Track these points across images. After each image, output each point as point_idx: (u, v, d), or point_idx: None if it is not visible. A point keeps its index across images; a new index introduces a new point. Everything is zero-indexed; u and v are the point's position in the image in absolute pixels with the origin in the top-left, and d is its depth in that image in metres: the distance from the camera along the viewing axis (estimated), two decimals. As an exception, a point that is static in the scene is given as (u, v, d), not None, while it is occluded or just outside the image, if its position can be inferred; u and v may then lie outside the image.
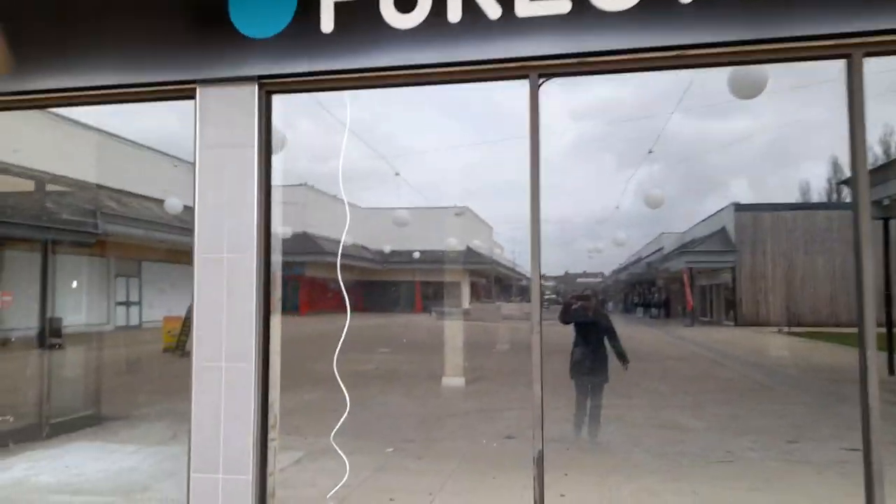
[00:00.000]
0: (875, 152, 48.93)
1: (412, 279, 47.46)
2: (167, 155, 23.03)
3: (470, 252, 44.90)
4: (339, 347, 4.34)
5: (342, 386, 4.15)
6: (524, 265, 69.04)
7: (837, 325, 28.31)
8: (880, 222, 12.20)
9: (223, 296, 3.70)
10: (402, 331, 15.34)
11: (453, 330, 20.92)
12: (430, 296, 47.25)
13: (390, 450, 5.23)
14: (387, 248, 46.92)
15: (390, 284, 47.06)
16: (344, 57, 3.70)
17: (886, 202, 10.63)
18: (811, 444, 5.64)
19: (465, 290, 47.69)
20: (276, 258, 4.10)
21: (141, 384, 9.63)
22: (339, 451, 4.02)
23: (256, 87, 3.87)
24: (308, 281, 38.72)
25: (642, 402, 7.81)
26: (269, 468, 3.64)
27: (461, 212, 50.15)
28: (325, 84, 3.91)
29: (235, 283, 3.71)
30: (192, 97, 3.98)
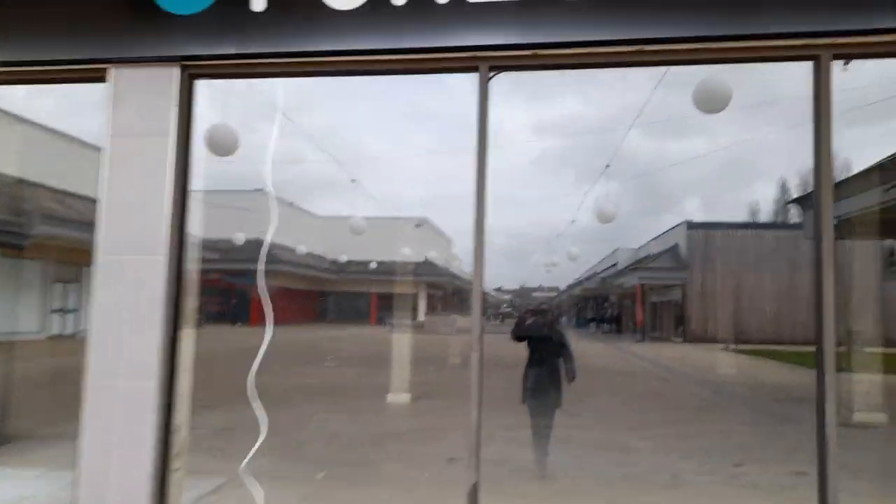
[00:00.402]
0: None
1: (368, 290, 46.83)
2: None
3: (427, 264, 44.62)
4: (257, 363, 3.84)
5: (256, 407, 3.66)
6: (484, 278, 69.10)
7: (781, 343, 29.10)
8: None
9: (126, 303, 3.25)
10: (352, 343, 14.83)
11: (402, 343, 20.47)
12: (386, 307, 46.68)
13: (322, 475, 4.80)
14: (343, 258, 46.14)
15: (346, 295, 46.25)
16: (277, 39, 3.33)
17: (835, 222, 10.79)
18: (757, 466, 5.50)
19: (422, 303, 47.34)
20: (192, 263, 3.66)
21: (63, 399, 8.87)
22: (251, 483, 3.54)
23: (178, 69, 3.46)
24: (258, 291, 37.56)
25: (590, 421, 7.59)
26: (170, 502, 3.17)
27: (420, 223, 49.89)
28: (256, 69, 3.52)
29: (141, 288, 3.26)
30: (105, 79, 3.54)
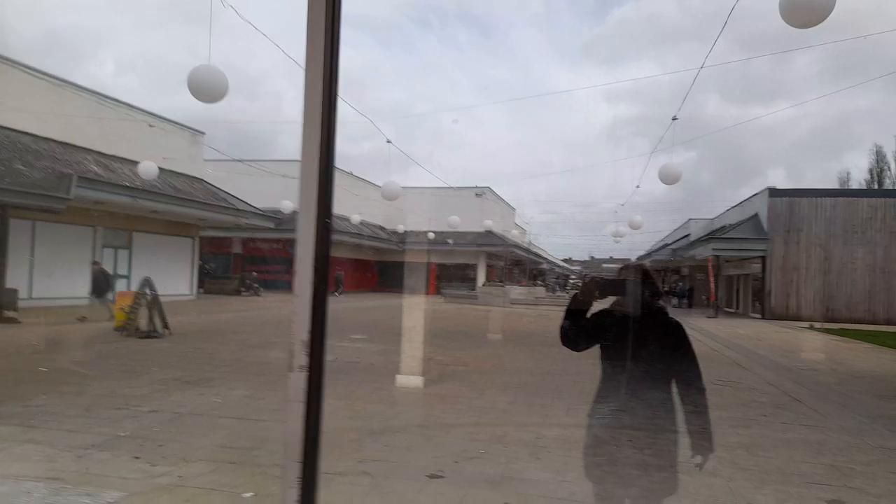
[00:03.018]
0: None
1: (427, 260, 46.13)
2: (142, 111, 21.79)
3: (488, 234, 43.34)
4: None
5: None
6: (545, 248, 67.12)
7: (874, 323, 26.16)
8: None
9: None
10: (395, 314, 13.83)
11: (445, 315, 19.38)
12: (446, 277, 45.91)
13: (248, 495, 3.72)
14: (400, 229, 45.51)
15: (407, 265, 45.65)
16: None
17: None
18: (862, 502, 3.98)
19: (481, 273, 46.23)
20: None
21: (55, 367, 8.31)
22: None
23: None
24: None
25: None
26: None
27: (481, 192, 48.58)
28: None
29: None
30: None
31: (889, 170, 50.43)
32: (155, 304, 11.64)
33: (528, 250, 53.95)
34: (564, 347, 2.49)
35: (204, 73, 6.36)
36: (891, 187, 45.18)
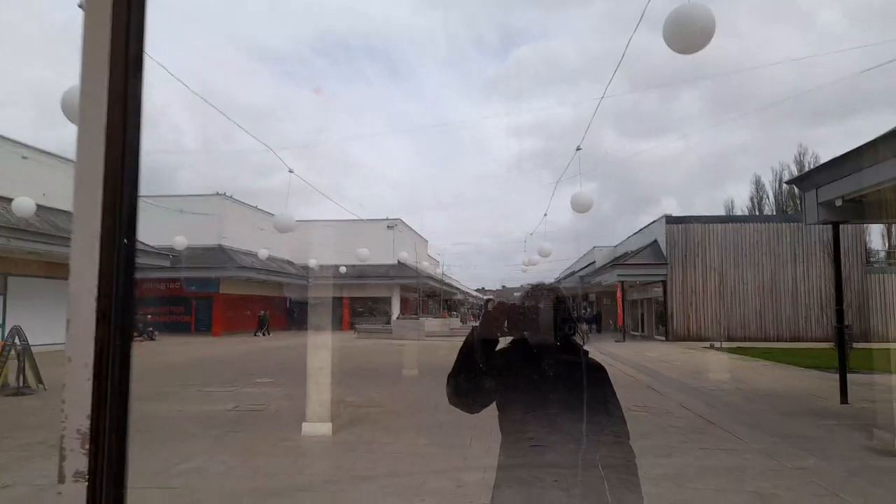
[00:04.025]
0: (791, 170, 50.42)
1: (339, 295, 44.95)
2: (15, 143, 19.90)
3: (400, 266, 42.91)
4: None
5: None
6: (458, 279, 67.46)
7: (766, 340, 27.91)
8: (828, 227, 10.90)
9: None
10: (303, 354, 13.08)
11: (354, 353, 18.69)
12: (358, 312, 44.90)
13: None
14: (312, 262, 44.10)
15: (318, 302, 44.15)
16: None
17: (839, 203, 9.25)
18: None
19: (396, 306, 45.56)
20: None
21: None
22: None
23: None
24: (222, 299, 35.64)
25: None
26: None
27: (393, 224, 48.23)
28: None
29: None
30: None
31: (767, 198, 55.17)
32: (26, 355, 10.26)
33: (441, 281, 53.93)
34: (455, 408, 1.81)
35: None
36: (770, 213, 49.19)
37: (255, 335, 34.63)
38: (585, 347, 1.86)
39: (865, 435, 6.80)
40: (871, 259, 32.10)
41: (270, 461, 5.73)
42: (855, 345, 20.18)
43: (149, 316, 29.44)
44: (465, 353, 1.74)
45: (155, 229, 26.16)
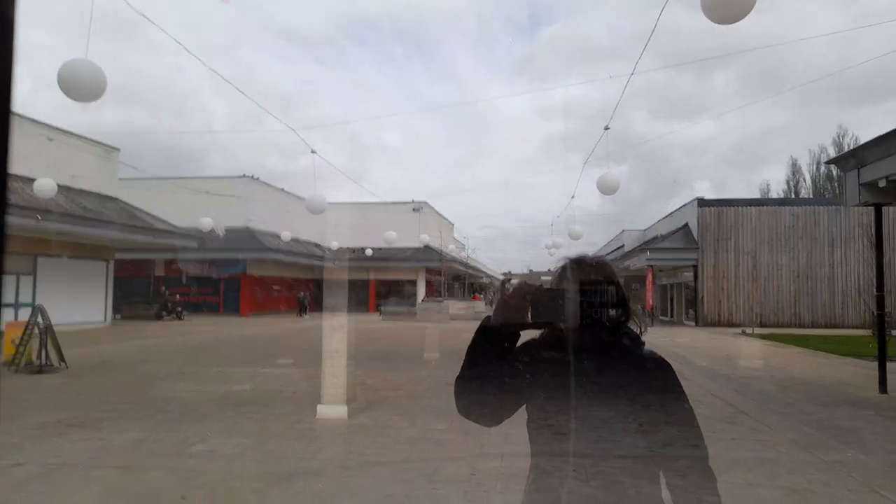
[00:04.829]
0: (829, 153, 48.67)
1: (365, 277, 45.09)
2: (44, 125, 20.12)
3: (427, 249, 42.80)
4: None
5: None
6: (485, 262, 67.19)
7: (801, 326, 27.08)
8: (871, 209, 10.35)
9: None
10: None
11: (379, 335, 18.66)
12: (385, 294, 44.99)
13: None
14: (334, 245, 44.14)
15: (345, 283, 44.37)
16: None
17: (882, 184, 8.72)
18: None
19: (421, 289, 45.54)
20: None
21: None
22: None
23: None
24: (250, 280, 36.00)
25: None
26: None
27: (419, 207, 48.06)
28: None
29: None
30: None
31: (804, 181, 53.47)
32: (48, 334, 10.37)
33: (466, 265, 53.73)
34: (468, 420, 1.42)
35: (78, 68, 5.48)
36: (807, 196, 47.66)
37: (298, 316, 35.17)
38: (643, 338, 1.43)
39: (908, 427, 6.42)
40: (914, 244, 30.75)
41: (283, 444, 5.61)
42: (894, 332, 19.45)
43: (177, 296, 29.88)
44: (476, 351, 1.36)
45: (182, 210, 26.45)
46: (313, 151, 12.76)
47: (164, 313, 28.00)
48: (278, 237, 33.79)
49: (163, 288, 32.49)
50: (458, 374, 1.38)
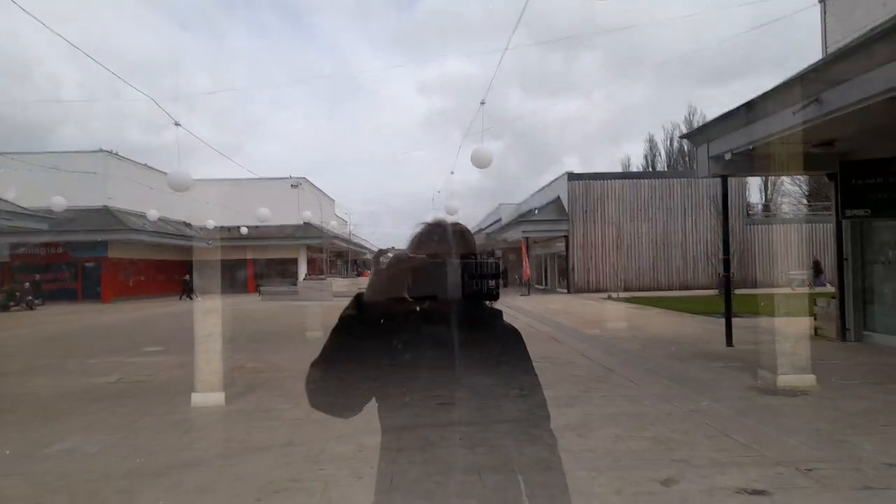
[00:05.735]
0: (681, 129, 53.30)
1: (243, 257, 43.09)
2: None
3: (307, 226, 41.63)
4: None
5: None
6: (368, 238, 66.67)
7: (658, 289, 29.65)
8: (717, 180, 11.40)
9: None
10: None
11: (255, 316, 17.98)
12: (263, 274, 43.28)
13: None
14: (210, 224, 41.63)
15: (221, 263, 41.99)
16: None
17: (728, 157, 9.63)
18: (695, 482, 3.82)
19: (302, 267, 44.33)
20: None
21: None
22: None
23: None
24: (111, 263, 33.05)
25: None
26: None
27: (297, 183, 46.40)
28: None
29: None
30: None
31: (660, 155, 58.22)
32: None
33: (349, 241, 53.03)
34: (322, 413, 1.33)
35: None
36: (662, 170, 51.85)
37: (180, 299, 32.83)
38: (496, 307, 1.38)
39: (750, 375, 7.25)
40: (751, 212, 34.57)
41: (153, 437, 5.24)
42: (737, 291, 21.85)
43: (26, 284, 26.84)
44: (341, 333, 1.28)
45: (28, 189, 23.63)
46: (177, 124, 11.85)
47: (10, 303, 25.08)
48: (144, 216, 31.29)
49: (9, 275, 29.06)
50: (313, 359, 1.27)
